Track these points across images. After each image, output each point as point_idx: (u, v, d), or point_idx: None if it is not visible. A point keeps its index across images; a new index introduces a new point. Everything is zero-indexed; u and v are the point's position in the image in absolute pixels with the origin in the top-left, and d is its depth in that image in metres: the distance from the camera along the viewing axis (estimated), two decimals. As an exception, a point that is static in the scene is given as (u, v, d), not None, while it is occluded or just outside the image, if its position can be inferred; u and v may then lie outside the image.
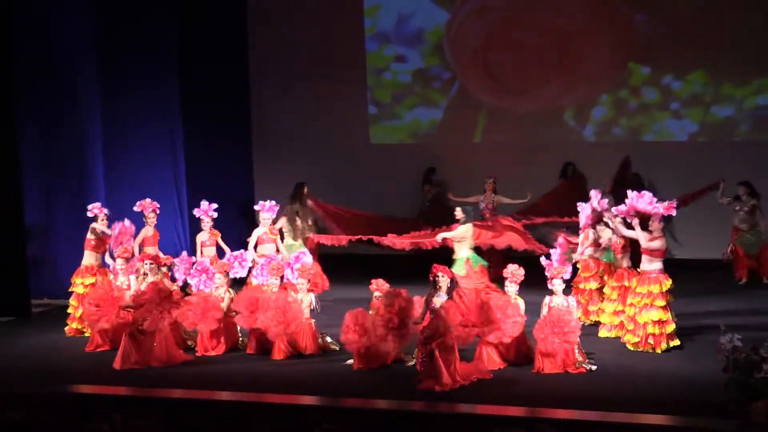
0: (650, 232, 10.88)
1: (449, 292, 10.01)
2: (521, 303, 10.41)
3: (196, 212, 13.47)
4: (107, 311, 11.37)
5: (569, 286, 11.74)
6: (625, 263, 11.72)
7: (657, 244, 10.84)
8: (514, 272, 10.48)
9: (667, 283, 10.80)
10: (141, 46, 15.37)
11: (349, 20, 17.86)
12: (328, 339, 11.19)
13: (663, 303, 10.70)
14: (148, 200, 13.21)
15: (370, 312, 10.47)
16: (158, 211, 13.31)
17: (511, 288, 10.45)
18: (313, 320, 11.12)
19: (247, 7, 18.06)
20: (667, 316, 10.69)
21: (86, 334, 12.01)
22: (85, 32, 14.46)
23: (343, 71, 17.85)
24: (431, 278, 10.08)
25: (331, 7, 17.92)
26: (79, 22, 14.35)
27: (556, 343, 9.91)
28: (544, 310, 10.27)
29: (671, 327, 10.70)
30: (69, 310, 12.43)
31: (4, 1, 13.22)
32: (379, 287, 10.72)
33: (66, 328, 12.32)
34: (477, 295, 10.27)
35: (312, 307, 11.14)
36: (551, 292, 10.38)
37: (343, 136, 17.90)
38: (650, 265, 10.85)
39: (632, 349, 10.73)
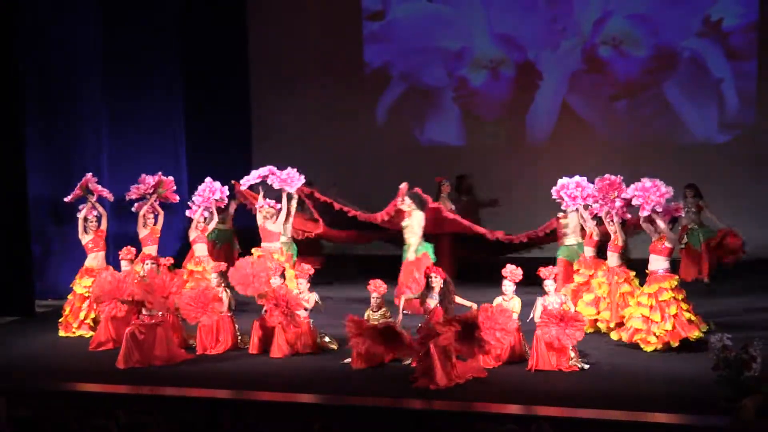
0: (659, 231, 10.85)
1: (442, 293, 9.97)
2: (517, 302, 10.39)
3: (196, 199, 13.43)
4: (114, 297, 11.32)
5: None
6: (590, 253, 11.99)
7: (667, 243, 10.84)
8: (513, 271, 10.46)
9: (674, 281, 10.79)
10: (143, 52, 15.40)
11: (347, 24, 17.87)
12: (326, 338, 11.17)
13: (681, 296, 10.70)
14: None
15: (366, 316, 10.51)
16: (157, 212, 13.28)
17: (509, 287, 10.44)
18: (311, 319, 11.11)
19: (247, 11, 18.07)
20: (675, 310, 10.64)
21: (77, 333, 12.03)
22: (89, 36, 14.47)
23: (342, 74, 17.86)
24: (424, 279, 10.11)
25: (331, 12, 17.94)
26: (82, 26, 14.36)
27: (566, 336, 9.87)
28: (538, 311, 10.26)
29: (688, 315, 10.66)
30: (66, 310, 12.39)
31: (8, 8, 13.20)
32: (376, 288, 10.70)
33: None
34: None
35: (316, 306, 11.12)
36: (544, 292, 10.39)
37: (343, 139, 17.91)
38: (657, 264, 10.83)
39: (647, 349, 10.62)
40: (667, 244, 10.82)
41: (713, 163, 16.35)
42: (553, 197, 12.43)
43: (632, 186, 10.92)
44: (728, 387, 8.27)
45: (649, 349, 10.53)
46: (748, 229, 15.90)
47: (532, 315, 10.34)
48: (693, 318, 10.68)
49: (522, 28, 17.19)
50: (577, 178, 12.22)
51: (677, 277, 10.91)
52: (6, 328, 12.79)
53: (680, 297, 10.72)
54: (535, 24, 17.13)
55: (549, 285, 10.33)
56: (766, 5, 16.04)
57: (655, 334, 10.56)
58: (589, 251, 12.13)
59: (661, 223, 10.74)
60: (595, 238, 12.04)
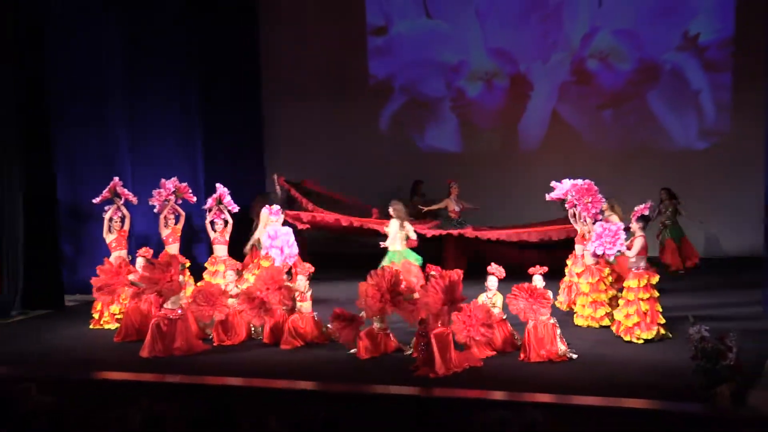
0: (632, 233, 10.87)
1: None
2: (499, 298, 10.45)
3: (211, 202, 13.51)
4: (115, 287, 11.35)
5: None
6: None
7: (638, 243, 10.84)
8: (497, 268, 10.50)
9: (644, 280, 10.78)
10: (164, 65, 15.41)
11: (353, 39, 17.88)
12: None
13: (647, 296, 10.70)
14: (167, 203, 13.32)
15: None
16: (178, 213, 13.38)
17: (492, 282, 10.47)
18: (315, 312, 11.13)
19: (260, 27, 18.08)
20: (646, 307, 10.67)
21: (106, 327, 12.05)
22: (113, 49, 14.51)
23: (349, 86, 17.87)
24: (425, 277, 10.13)
25: (338, 27, 17.95)
26: (106, 39, 14.42)
27: (531, 311, 9.89)
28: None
29: (638, 318, 10.71)
30: (97, 306, 12.42)
31: (36, 22, 13.22)
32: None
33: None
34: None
35: (305, 289, 11.14)
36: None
37: (349, 146, 17.91)
38: (636, 262, 10.85)
39: (626, 338, 10.70)
40: (637, 245, 10.84)
41: (693, 167, 16.39)
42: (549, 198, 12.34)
43: (594, 238, 11.01)
44: (705, 376, 8.27)
45: (627, 339, 10.64)
46: (723, 229, 15.95)
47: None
48: (646, 320, 10.66)
49: (515, 42, 17.19)
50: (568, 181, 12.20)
51: (647, 276, 10.82)
52: (38, 321, 12.83)
53: (645, 296, 10.69)
54: (527, 39, 17.12)
55: (537, 281, 10.33)
56: (740, 22, 16.04)
57: (628, 327, 10.66)
58: (580, 249, 12.06)
59: (628, 252, 10.83)
60: (588, 237, 12.01)
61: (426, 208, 15.64)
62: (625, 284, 10.85)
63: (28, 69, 13.12)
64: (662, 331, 10.64)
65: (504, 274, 10.47)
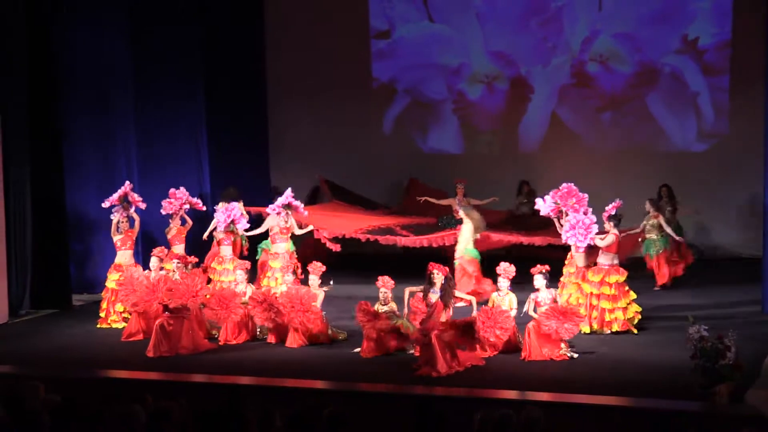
0: (605, 231, 11.16)
1: (443, 288, 9.98)
2: (513, 298, 10.39)
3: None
4: (150, 303, 11.31)
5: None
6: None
7: (609, 238, 11.07)
8: (506, 269, 10.47)
9: (615, 277, 10.99)
10: (170, 71, 15.41)
11: (357, 43, 17.86)
12: (337, 330, 11.15)
13: (613, 292, 10.91)
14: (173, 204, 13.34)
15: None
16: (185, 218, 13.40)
17: (503, 283, 10.43)
18: (324, 312, 11.09)
19: (265, 31, 18.06)
20: (613, 305, 10.88)
21: (113, 326, 12.04)
22: (120, 56, 14.51)
23: (352, 89, 17.84)
24: (427, 275, 10.11)
25: (342, 31, 17.93)
26: (111, 39, 14.44)
27: (564, 329, 9.89)
28: (531, 305, 10.25)
29: (620, 314, 10.88)
30: (103, 305, 12.40)
31: (45, 27, 13.22)
32: (384, 284, 10.65)
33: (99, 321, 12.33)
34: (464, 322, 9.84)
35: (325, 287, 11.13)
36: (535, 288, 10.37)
37: (353, 148, 17.88)
38: (603, 258, 11.11)
39: (587, 331, 10.85)
40: (607, 239, 11.10)
41: (692, 169, 16.31)
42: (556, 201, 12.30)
43: (568, 228, 11.24)
44: (704, 375, 8.26)
45: (607, 330, 10.91)
46: (722, 230, 15.92)
47: (525, 309, 10.33)
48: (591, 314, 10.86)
49: (515, 46, 17.15)
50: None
51: (603, 272, 11.01)
52: (45, 320, 12.82)
53: (595, 291, 10.93)
54: (528, 42, 17.08)
55: (539, 279, 10.29)
56: (738, 25, 16.01)
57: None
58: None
59: (599, 242, 11.13)
60: None
61: (423, 198, 15.39)
62: (595, 278, 10.98)
63: (33, 72, 13.10)
64: (612, 328, 10.86)
65: (513, 274, 10.45)
